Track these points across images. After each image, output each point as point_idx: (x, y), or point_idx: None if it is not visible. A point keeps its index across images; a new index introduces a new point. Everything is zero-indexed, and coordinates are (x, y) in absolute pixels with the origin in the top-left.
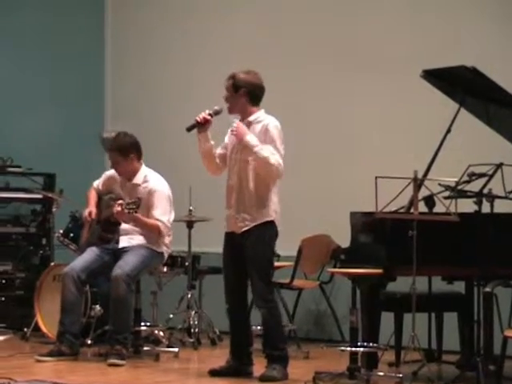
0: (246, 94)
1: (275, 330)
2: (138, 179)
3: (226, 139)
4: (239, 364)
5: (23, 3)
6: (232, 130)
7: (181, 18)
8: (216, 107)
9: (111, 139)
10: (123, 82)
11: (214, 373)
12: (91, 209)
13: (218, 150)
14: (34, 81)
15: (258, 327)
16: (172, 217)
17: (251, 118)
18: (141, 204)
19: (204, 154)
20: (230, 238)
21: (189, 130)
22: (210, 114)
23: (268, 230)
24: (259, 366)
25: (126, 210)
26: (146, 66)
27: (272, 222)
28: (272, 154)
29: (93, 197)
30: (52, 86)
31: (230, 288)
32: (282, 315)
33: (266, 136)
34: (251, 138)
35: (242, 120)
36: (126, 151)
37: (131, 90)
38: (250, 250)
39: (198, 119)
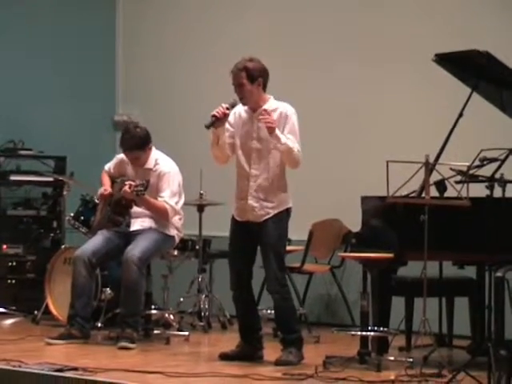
0: (261, 83)
1: (290, 314)
2: (149, 164)
3: (230, 127)
4: (250, 349)
5: None
6: (262, 119)
7: (194, 2)
8: (232, 99)
9: (123, 129)
10: (134, 65)
11: (224, 357)
12: (106, 187)
13: (227, 140)
14: (46, 65)
15: (268, 311)
16: (182, 200)
17: (266, 106)
18: (148, 186)
19: (220, 147)
20: (243, 227)
21: (209, 126)
22: (227, 108)
23: (286, 217)
24: (269, 350)
25: (134, 193)
26: (158, 50)
27: (289, 209)
28: (294, 144)
29: (106, 180)
30: (63, 69)
31: (238, 275)
32: (292, 299)
33: (286, 123)
34: (278, 131)
35: (254, 109)
36: (145, 144)
37: (142, 74)
38: (269, 237)
39: (217, 114)
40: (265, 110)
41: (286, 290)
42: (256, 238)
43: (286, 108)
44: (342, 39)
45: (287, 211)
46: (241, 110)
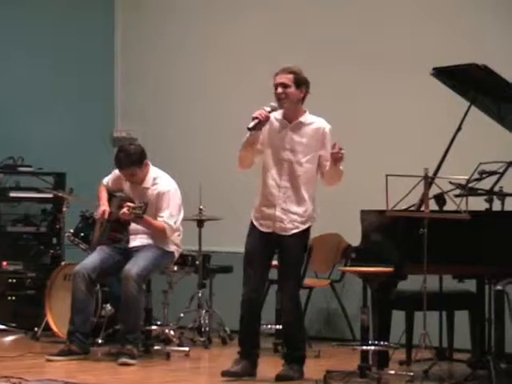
0: (305, 92)
1: (299, 331)
2: (147, 183)
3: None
4: (249, 365)
5: (35, 4)
6: (338, 153)
7: (191, 18)
8: (272, 103)
9: (118, 147)
10: (133, 81)
11: (228, 374)
12: (105, 208)
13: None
14: (44, 81)
15: (268, 326)
16: (181, 217)
17: (302, 119)
18: (147, 208)
19: (252, 150)
20: (264, 238)
21: (252, 129)
22: (269, 111)
23: (309, 233)
24: (269, 366)
25: (133, 215)
26: (156, 66)
27: (311, 226)
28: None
29: (104, 195)
30: (62, 85)
31: (254, 284)
32: (303, 317)
33: (324, 139)
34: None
35: (290, 120)
36: (140, 160)
37: (141, 90)
38: (292, 252)
39: (261, 117)
40: (335, 144)
41: (298, 308)
42: (275, 249)
43: (323, 124)
44: (340, 50)
45: (311, 228)
46: (272, 118)
